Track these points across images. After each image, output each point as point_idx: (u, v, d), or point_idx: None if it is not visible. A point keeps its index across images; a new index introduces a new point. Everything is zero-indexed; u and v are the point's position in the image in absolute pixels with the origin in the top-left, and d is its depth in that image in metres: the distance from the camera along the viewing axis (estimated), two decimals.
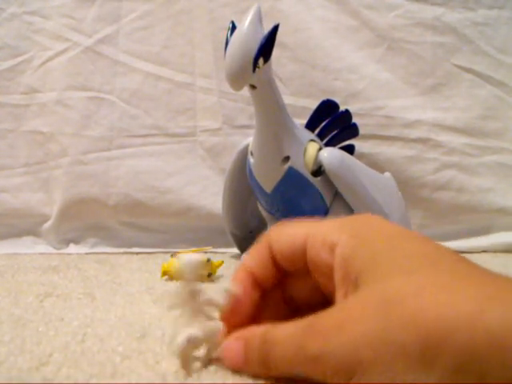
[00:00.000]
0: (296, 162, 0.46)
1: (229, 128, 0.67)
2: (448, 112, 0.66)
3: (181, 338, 0.24)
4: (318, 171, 0.48)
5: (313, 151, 0.47)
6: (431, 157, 0.66)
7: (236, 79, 0.41)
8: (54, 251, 0.68)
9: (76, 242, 0.69)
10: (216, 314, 0.25)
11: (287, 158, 0.46)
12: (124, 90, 0.68)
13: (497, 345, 0.16)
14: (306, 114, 0.56)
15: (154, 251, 0.66)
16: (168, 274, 0.47)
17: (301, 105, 0.64)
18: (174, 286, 0.45)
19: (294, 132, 0.47)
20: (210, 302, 0.25)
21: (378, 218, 0.23)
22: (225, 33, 0.43)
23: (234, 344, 0.24)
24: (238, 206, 0.59)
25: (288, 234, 0.25)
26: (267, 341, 0.22)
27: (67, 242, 0.69)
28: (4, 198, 0.70)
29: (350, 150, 0.59)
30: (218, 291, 0.25)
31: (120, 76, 0.69)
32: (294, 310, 0.26)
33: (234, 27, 0.42)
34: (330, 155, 0.47)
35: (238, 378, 0.24)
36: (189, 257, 0.25)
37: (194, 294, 0.25)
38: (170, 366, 0.25)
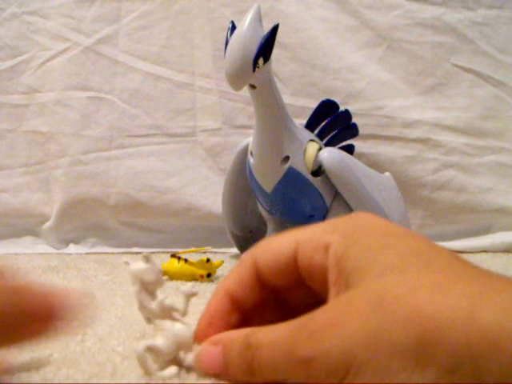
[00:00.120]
0: (296, 162, 0.46)
1: (228, 128, 0.67)
2: (448, 112, 0.66)
3: (139, 347, 0.23)
4: (318, 171, 0.48)
5: (313, 151, 0.47)
6: (431, 157, 0.66)
7: (236, 79, 0.41)
8: (54, 251, 0.68)
9: (76, 242, 0.69)
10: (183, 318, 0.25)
11: (287, 158, 0.46)
12: (124, 89, 0.68)
13: (492, 343, 0.16)
14: (306, 113, 0.56)
15: (154, 251, 0.66)
16: (168, 274, 0.47)
17: (300, 104, 0.64)
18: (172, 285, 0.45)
19: (293, 132, 0.47)
20: (171, 308, 0.25)
21: (370, 215, 0.23)
22: (224, 33, 0.43)
23: (210, 349, 0.22)
24: (237, 206, 0.59)
25: (274, 248, 0.24)
26: (251, 345, 0.21)
27: (67, 242, 0.69)
28: (4, 198, 0.70)
29: (349, 149, 0.59)
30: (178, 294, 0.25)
31: (120, 76, 0.69)
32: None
33: (233, 27, 0.42)
34: (330, 155, 0.47)
35: None
36: (132, 266, 0.25)
37: (145, 303, 0.25)
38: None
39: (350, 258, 0.21)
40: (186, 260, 0.47)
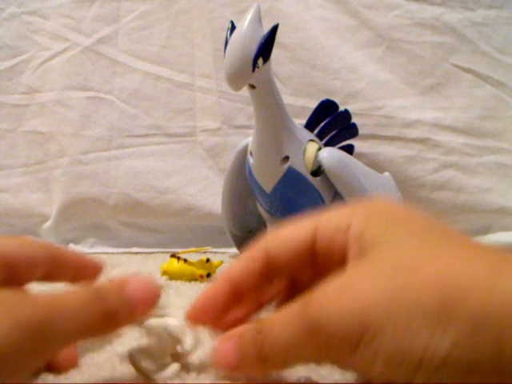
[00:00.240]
0: (295, 162, 0.46)
1: (228, 128, 0.67)
2: (447, 112, 0.66)
3: (131, 350, 0.23)
4: (318, 171, 0.48)
5: (312, 151, 0.47)
6: (430, 157, 0.66)
7: (235, 79, 0.41)
8: None
9: (75, 242, 0.69)
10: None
11: (287, 158, 0.46)
12: (123, 89, 0.68)
13: None
14: (306, 113, 0.56)
15: (154, 251, 0.66)
16: (167, 274, 0.47)
17: (300, 104, 0.64)
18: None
19: (293, 132, 0.47)
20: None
21: (388, 200, 0.23)
22: (224, 33, 0.43)
23: (225, 344, 0.22)
24: (237, 206, 0.59)
25: (289, 234, 0.24)
26: (262, 329, 0.21)
27: (67, 242, 0.69)
28: (3, 198, 0.70)
29: (349, 149, 0.59)
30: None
31: (119, 76, 0.69)
32: None
33: (233, 27, 0.42)
34: (330, 155, 0.47)
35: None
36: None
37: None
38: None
39: (368, 234, 0.20)
40: (185, 260, 0.47)
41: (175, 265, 0.47)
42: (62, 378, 0.24)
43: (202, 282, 0.46)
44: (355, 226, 0.21)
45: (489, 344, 0.16)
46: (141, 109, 0.68)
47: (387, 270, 0.18)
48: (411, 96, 0.66)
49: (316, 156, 0.47)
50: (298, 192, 0.48)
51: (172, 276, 0.47)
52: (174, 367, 0.24)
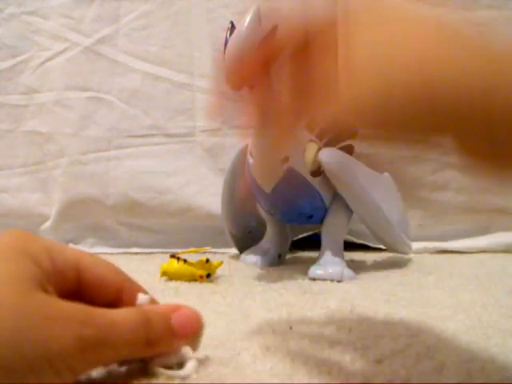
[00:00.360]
0: (295, 162, 0.46)
1: (228, 128, 0.67)
2: None
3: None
4: (318, 171, 0.48)
5: (312, 151, 0.47)
6: (430, 157, 0.66)
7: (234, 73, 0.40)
8: None
9: (75, 242, 0.69)
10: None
11: (286, 159, 0.46)
12: (123, 90, 0.68)
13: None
14: None
15: (153, 251, 0.66)
16: (167, 275, 0.47)
17: None
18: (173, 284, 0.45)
19: None
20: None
21: None
22: (224, 33, 0.43)
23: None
24: (237, 206, 0.59)
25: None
26: None
27: (66, 242, 0.69)
28: (3, 198, 0.70)
29: (349, 150, 0.59)
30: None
31: (119, 76, 0.69)
32: None
33: (233, 27, 0.42)
34: (329, 155, 0.47)
35: (238, 379, 0.24)
36: None
37: None
38: None
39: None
40: (185, 260, 0.47)
41: (175, 265, 0.47)
42: None
43: (201, 282, 0.46)
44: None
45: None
46: (140, 109, 0.68)
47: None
48: None
49: (316, 156, 0.47)
50: (298, 192, 0.48)
51: (172, 276, 0.47)
52: (193, 363, 0.24)
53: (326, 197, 0.49)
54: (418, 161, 0.66)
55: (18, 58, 0.71)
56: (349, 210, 0.51)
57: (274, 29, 0.41)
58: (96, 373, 0.24)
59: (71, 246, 0.69)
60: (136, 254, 0.66)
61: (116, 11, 0.69)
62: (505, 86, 0.18)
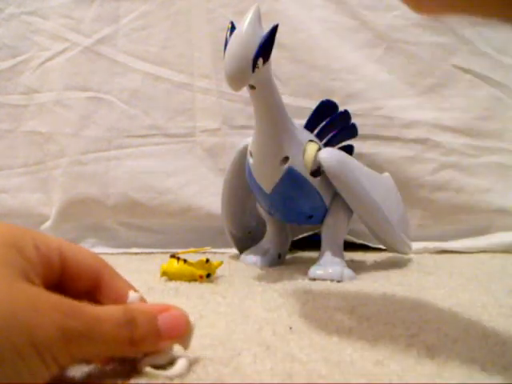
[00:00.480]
0: (295, 163, 0.46)
1: (228, 128, 0.67)
2: (447, 112, 0.66)
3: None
4: (317, 171, 0.48)
5: (312, 151, 0.47)
6: (430, 157, 0.66)
7: (235, 79, 0.41)
8: None
9: (75, 242, 0.69)
10: None
11: (286, 159, 0.46)
12: (123, 90, 0.68)
13: None
14: (305, 114, 0.56)
15: (153, 251, 0.66)
16: (167, 275, 0.47)
17: (299, 105, 0.64)
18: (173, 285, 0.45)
19: (293, 132, 0.47)
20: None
21: None
22: (224, 33, 0.43)
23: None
24: (237, 206, 0.59)
25: None
26: None
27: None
28: (3, 199, 0.70)
29: (348, 150, 0.59)
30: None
31: (119, 76, 0.69)
32: None
33: (233, 27, 0.42)
34: (329, 155, 0.47)
35: (238, 379, 0.24)
36: None
37: None
38: None
39: None
40: (185, 260, 0.47)
41: (175, 265, 0.47)
42: (63, 377, 0.24)
43: (201, 282, 0.46)
44: None
45: None
46: (140, 109, 0.68)
47: None
48: (411, 96, 0.66)
49: (315, 156, 0.47)
50: (298, 192, 0.48)
51: (172, 276, 0.47)
52: (183, 362, 0.24)
53: (326, 197, 0.50)
54: (417, 161, 0.66)
55: (18, 58, 0.71)
56: (349, 210, 0.51)
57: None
58: (82, 371, 0.24)
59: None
60: (136, 254, 0.66)
61: (116, 11, 0.69)
62: None
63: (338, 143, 0.57)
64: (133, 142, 0.68)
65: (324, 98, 0.57)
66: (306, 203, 0.49)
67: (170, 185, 0.67)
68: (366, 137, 0.64)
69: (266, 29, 0.42)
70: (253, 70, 0.40)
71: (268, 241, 0.57)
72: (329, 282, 0.46)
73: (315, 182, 0.48)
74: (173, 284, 0.45)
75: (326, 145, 0.55)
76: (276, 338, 0.30)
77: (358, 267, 0.53)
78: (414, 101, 0.66)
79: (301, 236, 0.63)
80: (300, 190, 0.48)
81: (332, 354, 0.27)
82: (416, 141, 0.66)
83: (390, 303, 0.38)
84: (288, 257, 0.59)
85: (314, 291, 0.42)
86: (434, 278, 0.49)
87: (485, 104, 0.66)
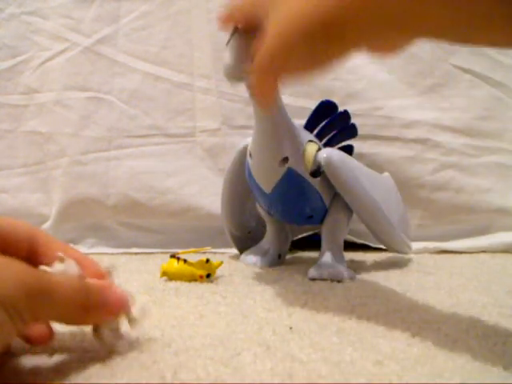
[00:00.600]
0: (295, 163, 0.46)
1: (228, 128, 0.67)
2: (447, 112, 0.66)
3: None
4: (317, 172, 0.48)
5: (312, 152, 0.47)
6: (430, 157, 0.66)
7: (234, 66, 0.39)
8: None
9: (75, 242, 0.69)
10: None
11: (286, 159, 0.46)
12: (123, 90, 0.68)
13: None
14: (305, 114, 0.56)
15: (153, 251, 0.66)
16: (167, 275, 0.47)
17: (299, 105, 0.64)
18: (172, 285, 0.45)
19: (293, 132, 0.47)
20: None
21: None
22: (223, 33, 0.42)
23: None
24: (237, 207, 0.59)
25: None
26: None
27: (66, 243, 0.69)
28: (3, 199, 0.70)
29: (348, 150, 0.59)
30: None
31: (119, 76, 0.69)
32: None
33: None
34: (329, 156, 0.47)
35: (238, 379, 0.24)
36: None
37: None
38: (168, 366, 0.25)
39: None
40: (185, 260, 0.47)
41: (175, 265, 0.47)
42: (63, 377, 0.24)
43: (201, 282, 0.46)
44: None
45: None
46: (140, 109, 0.68)
47: None
48: (411, 96, 0.66)
49: (315, 156, 0.47)
50: (298, 192, 0.48)
51: (172, 276, 0.47)
52: (131, 337, 0.28)
53: (326, 197, 0.49)
54: (418, 161, 0.66)
55: (18, 58, 0.71)
56: (349, 210, 0.51)
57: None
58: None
59: (71, 246, 0.68)
60: (136, 254, 0.66)
61: (116, 11, 0.69)
62: None
63: (337, 143, 0.57)
64: (133, 142, 0.68)
65: (324, 98, 0.57)
66: (306, 203, 0.49)
67: (170, 185, 0.67)
68: (366, 137, 0.64)
69: None
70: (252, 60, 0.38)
71: (268, 241, 0.57)
72: (329, 281, 0.46)
73: (315, 182, 0.48)
74: (173, 284, 0.45)
75: (325, 145, 0.55)
76: (276, 337, 0.30)
77: (358, 267, 0.53)
78: (414, 101, 0.66)
79: (300, 236, 0.63)
80: (300, 190, 0.48)
81: (332, 353, 0.27)
82: (416, 141, 0.66)
83: (390, 303, 0.38)
84: (288, 257, 0.59)
85: (313, 291, 0.42)
86: (434, 278, 0.49)
87: (485, 104, 0.66)
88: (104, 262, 0.30)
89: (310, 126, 0.55)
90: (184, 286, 0.45)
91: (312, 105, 0.57)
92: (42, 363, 0.26)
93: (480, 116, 0.66)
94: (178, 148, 0.68)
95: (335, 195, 0.50)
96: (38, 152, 0.70)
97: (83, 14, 0.70)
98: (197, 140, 0.68)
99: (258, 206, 0.55)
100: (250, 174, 0.48)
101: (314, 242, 0.59)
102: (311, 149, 0.48)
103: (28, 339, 0.27)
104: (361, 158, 0.62)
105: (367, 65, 0.66)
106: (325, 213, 0.51)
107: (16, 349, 0.27)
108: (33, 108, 0.70)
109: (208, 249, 0.53)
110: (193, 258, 0.47)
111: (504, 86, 0.67)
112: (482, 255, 0.63)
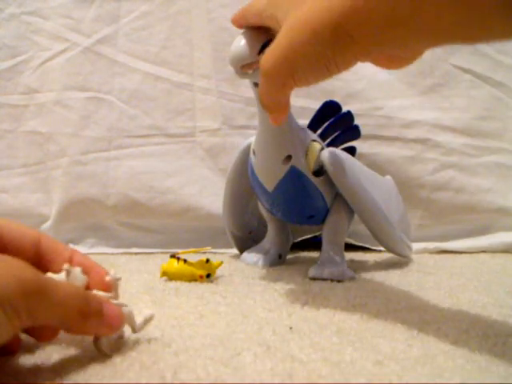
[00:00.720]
0: (298, 162, 0.46)
1: (228, 128, 0.67)
2: (447, 112, 0.66)
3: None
4: (320, 171, 0.48)
5: (315, 151, 0.47)
6: (430, 157, 0.66)
7: (239, 54, 0.39)
8: None
9: (75, 242, 0.69)
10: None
11: (289, 158, 0.46)
12: (123, 90, 0.68)
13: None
14: (306, 113, 0.56)
15: (153, 251, 0.66)
16: (167, 275, 0.47)
17: (300, 105, 0.64)
18: (172, 285, 0.45)
19: (296, 132, 0.47)
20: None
21: None
22: (224, 33, 0.42)
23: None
24: (238, 206, 0.59)
25: None
26: None
27: (66, 243, 0.69)
28: (3, 199, 0.70)
29: (351, 151, 0.59)
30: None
31: (119, 76, 0.69)
32: None
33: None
34: (332, 155, 0.47)
35: (238, 379, 0.24)
36: None
37: None
38: (168, 366, 0.25)
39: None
40: (185, 260, 0.47)
41: (175, 265, 0.47)
42: (63, 377, 0.24)
43: (201, 282, 0.46)
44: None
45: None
46: (140, 109, 0.68)
47: None
48: (411, 96, 0.66)
49: (318, 156, 0.47)
50: (300, 191, 0.48)
51: (172, 276, 0.47)
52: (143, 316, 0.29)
53: (328, 197, 0.49)
54: (418, 161, 0.66)
55: (18, 58, 0.71)
56: (350, 211, 0.51)
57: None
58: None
59: (71, 245, 0.69)
60: (136, 254, 0.66)
61: (116, 11, 0.69)
62: None
63: (340, 144, 0.57)
64: (133, 142, 0.68)
65: (327, 99, 0.57)
66: (308, 202, 0.49)
67: (170, 185, 0.67)
68: (366, 137, 0.64)
69: None
70: (258, 53, 0.39)
71: (269, 241, 0.57)
72: (329, 281, 0.46)
73: (317, 181, 0.48)
74: (173, 284, 0.45)
75: (328, 145, 0.55)
76: (276, 337, 0.30)
77: (358, 267, 0.53)
78: (414, 101, 0.66)
79: (301, 239, 0.63)
80: (302, 189, 0.48)
81: (332, 353, 0.27)
82: (416, 141, 0.66)
83: (390, 303, 0.38)
84: (288, 257, 0.59)
85: (313, 291, 0.42)
86: (434, 278, 0.49)
87: (485, 104, 0.66)
88: (110, 271, 0.29)
89: (313, 126, 0.55)
90: (184, 285, 0.45)
91: (312, 105, 0.57)
92: (41, 363, 0.26)
93: (480, 116, 0.66)
94: (178, 148, 0.68)
95: (337, 195, 0.50)
96: (38, 152, 0.70)
97: (83, 14, 0.70)
98: (197, 140, 0.68)
99: (259, 205, 0.55)
100: (252, 171, 0.48)
101: (314, 243, 0.59)
102: (314, 148, 0.48)
103: (33, 334, 0.27)
104: (361, 157, 0.62)
105: (367, 65, 0.66)
106: (326, 213, 0.50)
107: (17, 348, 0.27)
108: (33, 108, 0.70)
109: (208, 249, 0.53)
110: (193, 258, 0.47)
111: (504, 86, 0.67)
112: (482, 255, 0.63)
